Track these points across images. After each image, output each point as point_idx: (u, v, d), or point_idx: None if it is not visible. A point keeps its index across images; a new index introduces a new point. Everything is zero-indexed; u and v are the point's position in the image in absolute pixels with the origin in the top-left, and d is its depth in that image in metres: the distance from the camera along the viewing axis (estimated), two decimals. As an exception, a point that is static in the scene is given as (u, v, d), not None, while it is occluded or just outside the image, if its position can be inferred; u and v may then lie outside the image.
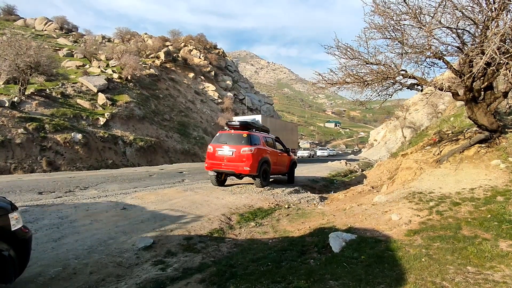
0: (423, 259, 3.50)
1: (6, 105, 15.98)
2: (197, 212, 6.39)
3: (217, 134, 9.93)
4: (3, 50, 18.76)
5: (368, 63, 6.39)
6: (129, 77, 26.43)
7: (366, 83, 6.41)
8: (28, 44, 19.90)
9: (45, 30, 39.19)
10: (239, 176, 9.84)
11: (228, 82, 42.08)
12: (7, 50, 18.30)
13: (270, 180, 10.63)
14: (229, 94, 39.59)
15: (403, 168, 8.51)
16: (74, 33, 39.96)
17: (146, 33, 43.08)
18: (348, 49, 6.35)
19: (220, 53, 45.85)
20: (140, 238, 4.65)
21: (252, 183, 9.97)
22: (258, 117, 21.59)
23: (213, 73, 40.43)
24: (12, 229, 2.74)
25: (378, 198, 6.70)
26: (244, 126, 9.68)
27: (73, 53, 29.67)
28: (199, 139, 27.86)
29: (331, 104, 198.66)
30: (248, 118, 21.06)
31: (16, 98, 17.09)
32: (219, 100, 36.84)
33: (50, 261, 3.78)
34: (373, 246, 4.06)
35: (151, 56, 35.50)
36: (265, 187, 9.26)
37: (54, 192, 8.24)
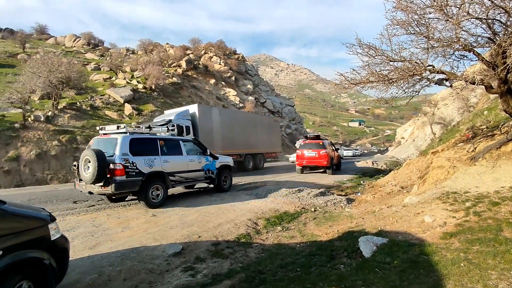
0: (462, 264, 3.32)
1: (42, 119, 17.00)
2: (224, 218, 6.44)
3: (302, 143, 15.90)
4: (38, 68, 20.01)
5: (392, 61, 6.19)
6: (153, 87, 27.28)
7: (391, 81, 6.21)
8: (59, 61, 21.12)
9: (74, 46, 41.38)
10: (318, 168, 15.39)
11: (248, 86, 42.35)
12: (41, 67, 19.50)
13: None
14: (250, 98, 39.82)
15: (434, 167, 8.13)
16: (100, 47, 41.92)
17: (167, 43, 44.34)
18: (371, 47, 6.19)
19: (240, 58, 46.29)
20: (170, 245, 4.75)
21: (274, 186, 9.96)
22: (193, 108, 14.87)
23: (233, 78, 40.86)
24: (52, 239, 2.89)
25: (409, 199, 6.45)
26: (317, 136, 16.06)
27: (100, 66, 31.09)
28: (222, 144, 28.16)
29: (355, 102, 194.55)
30: (180, 110, 15.46)
31: (50, 112, 18.14)
32: (241, 105, 37.13)
33: (87, 268, 3.94)
34: (406, 250, 3.90)
35: (173, 65, 36.47)
36: (291, 190, 9.20)
37: (87, 201, 8.61)
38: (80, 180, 7.13)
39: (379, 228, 5.06)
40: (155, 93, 27.25)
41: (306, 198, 8.58)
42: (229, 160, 9.87)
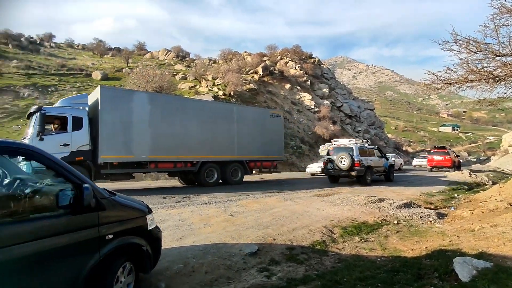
0: None
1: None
2: (298, 223, 6.40)
3: (432, 151, 21.01)
4: (137, 79, 23.18)
5: (499, 55, 5.32)
6: (231, 93, 28.87)
7: (497, 79, 5.33)
8: (154, 73, 24.10)
9: (166, 59, 46.61)
10: (443, 168, 22.81)
11: (324, 90, 41.42)
12: (140, 79, 22.54)
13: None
14: (325, 102, 38.87)
15: (557, 182, 6.65)
16: (187, 59, 46.32)
17: (246, 51, 46.47)
18: (471, 42, 5.43)
19: (316, 61, 45.66)
20: (246, 244, 4.92)
21: (351, 194, 9.47)
22: (95, 93, 10.44)
23: (309, 82, 40.49)
24: (149, 228, 3.30)
25: (521, 219, 5.41)
26: (443, 147, 21.69)
27: (187, 76, 34.32)
28: (296, 149, 28.11)
29: (447, 105, 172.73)
30: (75, 96, 11.99)
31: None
32: (316, 109, 36.52)
33: (174, 258, 4.36)
34: (517, 280, 3.27)
35: (250, 72, 38.02)
36: (370, 199, 8.63)
37: (174, 197, 9.55)
38: (329, 170, 13.55)
39: (480, 250, 4.37)
40: (233, 99, 28.78)
41: (388, 209, 7.93)
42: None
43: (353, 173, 12.94)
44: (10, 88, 25.33)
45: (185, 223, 6.24)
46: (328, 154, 13.84)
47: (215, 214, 7.06)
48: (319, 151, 21.96)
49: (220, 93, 28.75)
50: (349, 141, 14.68)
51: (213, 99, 26.28)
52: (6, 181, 2.69)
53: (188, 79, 33.65)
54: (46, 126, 9.18)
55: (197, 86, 30.89)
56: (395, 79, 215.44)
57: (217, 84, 31.10)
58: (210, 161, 12.48)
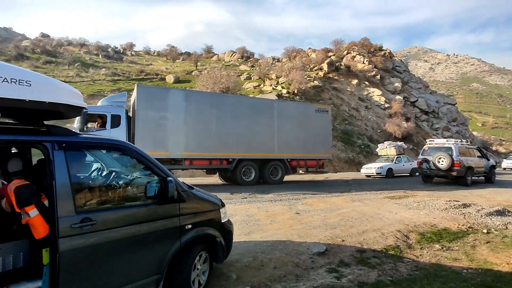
0: None
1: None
2: (368, 225, 6.07)
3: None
4: (206, 81, 24.60)
5: None
6: (295, 91, 28.70)
7: None
8: (221, 74, 25.29)
9: (231, 60, 48.46)
10: None
11: (396, 84, 38.41)
12: (208, 81, 23.88)
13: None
14: (397, 97, 36.02)
15: None
16: (251, 59, 47.48)
17: (310, 48, 45.70)
18: None
19: (387, 54, 42.61)
20: (314, 244, 4.86)
21: (429, 197, 8.60)
22: (134, 92, 10.95)
23: (378, 76, 38.00)
24: (222, 221, 3.49)
25: None
26: None
27: (251, 76, 35.19)
28: (364, 148, 26.68)
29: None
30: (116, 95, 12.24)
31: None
32: (386, 105, 34.11)
33: (243, 251, 4.53)
34: None
35: (314, 68, 37.26)
36: (453, 204, 7.75)
37: (241, 193, 9.90)
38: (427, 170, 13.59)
39: None
40: (297, 97, 28.58)
41: (475, 216, 7.01)
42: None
43: (453, 174, 12.90)
44: (100, 93, 29.23)
45: (252, 218, 6.43)
46: (422, 154, 14.12)
47: (281, 211, 7.12)
48: (377, 150, 20.28)
49: (284, 91, 28.82)
50: (447, 141, 14.68)
51: (277, 98, 26.49)
52: (104, 173, 3.11)
53: (252, 79, 34.49)
54: (90, 124, 9.92)
55: (261, 86, 31.46)
56: (482, 69, 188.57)
57: (281, 83, 31.23)
58: (247, 159, 11.98)
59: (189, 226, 3.05)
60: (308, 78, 32.10)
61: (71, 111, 2.44)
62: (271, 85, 30.98)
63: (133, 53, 51.32)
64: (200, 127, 11.42)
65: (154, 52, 55.06)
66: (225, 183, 13.38)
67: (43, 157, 3.17)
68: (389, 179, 16.16)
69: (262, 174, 12.48)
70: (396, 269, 4.29)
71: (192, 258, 3.07)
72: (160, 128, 10.68)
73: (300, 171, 14.83)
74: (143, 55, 52.70)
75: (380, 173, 16.89)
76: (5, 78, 2.01)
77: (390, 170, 17.12)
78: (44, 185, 2.79)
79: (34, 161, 3.51)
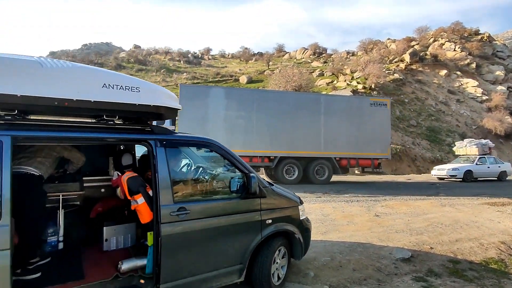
0: None
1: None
2: (463, 233, 5.39)
3: None
4: (278, 80, 24.86)
5: None
6: (372, 86, 26.96)
7: None
8: (292, 72, 25.23)
9: (303, 58, 47.92)
10: None
11: (497, 72, 32.90)
12: (280, 79, 24.07)
13: None
14: (499, 88, 30.85)
15: None
16: (324, 54, 46.20)
17: (389, 38, 42.30)
18: None
19: (485, 38, 36.83)
20: (397, 249, 4.54)
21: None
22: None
23: (473, 65, 33.09)
24: (300, 218, 3.52)
25: None
26: None
27: (324, 72, 34.27)
28: (454, 146, 23.59)
29: None
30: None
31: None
32: (484, 97, 29.53)
33: (320, 250, 4.48)
34: None
35: (394, 60, 34.38)
36: None
37: (314, 192, 9.77)
38: None
39: None
40: (374, 92, 26.80)
41: None
42: None
43: None
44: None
45: (328, 218, 6.31)
46: None
47: (358, 212, 6.83)
48: (455, 148, 17.38)
49: (360, 86, 27.32)
50: None
51: (351, 94, 25.29)
52: (192, 168, 3.43)
53: (325, 75, 33.56)
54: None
55: (335, 82, 30.39)
56: None
57: (356, 78, 29.68)
58: (289, 156, 11.50)
59: (269, 221, 3.17)
60: (387, 71, 29.80)
61: (169, 112, 2.76)
62: (345, 80, 29.67)
63: (209, 57, 54.86)
64: (241, 124, 11.36)
65: (228, 55, 57.94)
66: (271, 181, 13.19)
67: (145, 153, 3.69)
68: (490, 183, 14.00)
69: (306, 173, 11.88)
70: (501, 286, 3.73)
71: (272, 251, 3.18)
72: (201, 126, 10.79)
73: (356, 171, 13.68)
74: (218, 58, 55.91)
75: (455, 175, 14.52)
76: (121, 86, 2.39)
77: (468, 172, 14.55)
78: (146, 178, 3.22)
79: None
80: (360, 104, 13.05)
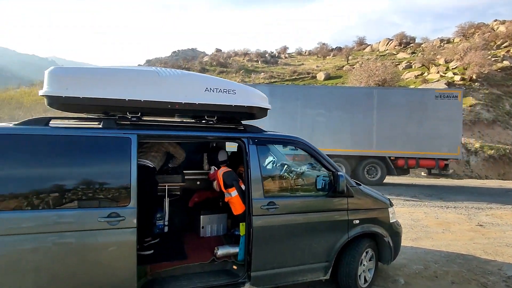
0: None
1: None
2: None
3: None
4: (359, 75, 23.59)
5: None
6: (473, 76, 23.39)
7: None
8: (375, 65, 23.61)
9: (387, 49, 44.35)
10: None
11: None
12: (362, 74, 22.78)
13: None
14: None
15: None
16: (412, 44, 41.94)
17: (496, 20, 36.10)
18: None
19: None
20: (509, 265, 3.92)
21: None
22: None
23: None
24: (390, 221, 3.34)
25: None
26: None
27: (412, 64, 31.12)
28: None
29: None
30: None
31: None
32: None
33: (411, 257, 4.17)
34: None
35: (503, 45, 29.18)
36: None
37: (401, 195, 9.03)
38: None
39: None
40: (476, 83, 23.22)
41: None
42: None
43: None
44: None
45: (419, 224, 5.80)
46: None
47: (456, 220, 6.09)
48: None
49: (457, 78, 23.99)
50: None
51: (446, 86, 22.42)
52: (278, 165, 3.56)
53: (413, 67, 30.45)
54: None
55: (425, 74, 27.33)
56: None
57: (452, 68, 26.16)
58: (334, 155, 10.58)
59: (357, 221, 3.10)
60: (493, 59, 25.50)
61: (261, 112, 2.95)
62: (438, 72, 26.41)
63: (286, 55, 55.18)
64: (284, 121, 10.97)
65: (305, 52, 57.34)
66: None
67: (235, 151, 3.99)
68: None
69: (355, 173, 11.02)
70: None
71: (359, 253, 3.11)
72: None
73: (423, 173, 11.89)
74: (295, 56, 55.80)
75: None
76: (220, 89, 2.66)
77: None
78: (237, 173, 3.48)
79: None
80: (422, 97, 11.45)
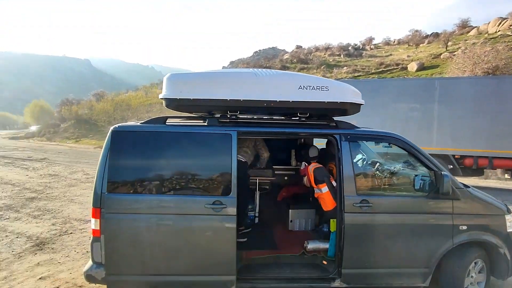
0: None
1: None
2: None
3: None
4: (462, 63, 20.55)
5: None
6: None
7: None
8: (484, 50, 20.21)
9: (499, 31, 37.41)
10: None
11: None
12: (466, 62, 19.78)
13: None
14: None
15: None
16: (535, 22, 34.44)
17: None
18: None
19: None
20: None
21: None
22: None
23: None
24: (508, 230, 2.90)
25: None
26: None
27: (535, 45, 25.60)
28: None
29: None
30: None
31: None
32: None
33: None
34: None
35: None
36: None
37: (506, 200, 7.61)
38: None
39: None
40: None
41: None
42: None
43: None
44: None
45: None
46: None
47: None
48: None
49: None
50: None
51: None
52: (369, 162, 3.42)
53: (536, 49, 25.04)
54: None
55: (554, 56, 22.17)
56: None
57: None
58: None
59: (464, 227, 2.79)
60: None
61: (353, 108, 2.90)
62: None
63: (372, 47, 51.58)
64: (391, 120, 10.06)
65: (394, 41, 52.62)
66: None
67: (323, 147, 4.00)
68: None
69: None
70: None
71: (466, 262, 2.81)
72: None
73: (506, 175, 9.40)
74: (382, 46, 51.70)
75: None
76: (313, 87, 2.71)
77: None
78: (328, 169, 3.49)
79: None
80: (497, 85, 9.56)
